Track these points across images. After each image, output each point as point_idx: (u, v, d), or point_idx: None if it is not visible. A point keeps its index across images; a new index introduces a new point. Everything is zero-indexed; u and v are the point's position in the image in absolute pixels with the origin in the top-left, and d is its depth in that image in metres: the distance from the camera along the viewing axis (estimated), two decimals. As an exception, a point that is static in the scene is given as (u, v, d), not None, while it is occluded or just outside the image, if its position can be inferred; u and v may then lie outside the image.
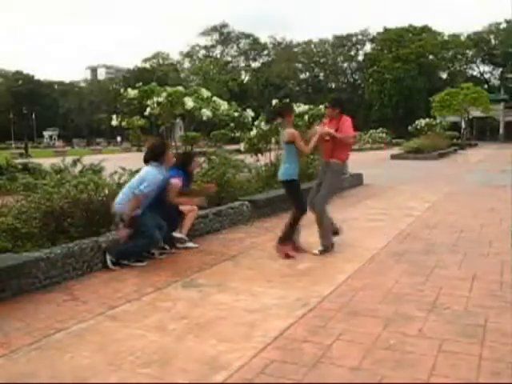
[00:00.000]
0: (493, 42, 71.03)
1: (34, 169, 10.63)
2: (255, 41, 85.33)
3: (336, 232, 5.88)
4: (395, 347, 3.13)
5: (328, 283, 4.47)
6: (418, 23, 70.10)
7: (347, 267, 4.99)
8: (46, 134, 76.52)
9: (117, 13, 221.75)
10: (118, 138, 69.42)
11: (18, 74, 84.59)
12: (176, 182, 5.60)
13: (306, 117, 10.69)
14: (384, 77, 63.98)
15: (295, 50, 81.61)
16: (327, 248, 5.60)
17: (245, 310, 3.82)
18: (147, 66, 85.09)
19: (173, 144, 8.66)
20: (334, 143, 5.59)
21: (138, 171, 7.09)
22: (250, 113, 9.21)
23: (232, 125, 8.94)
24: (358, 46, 79.83)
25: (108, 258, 4.98)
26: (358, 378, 2.76)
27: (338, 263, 5.20)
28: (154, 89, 7.92)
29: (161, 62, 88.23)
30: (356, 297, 4.11)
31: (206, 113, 7.81)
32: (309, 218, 5.64)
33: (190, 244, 5.88)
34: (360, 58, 78.40)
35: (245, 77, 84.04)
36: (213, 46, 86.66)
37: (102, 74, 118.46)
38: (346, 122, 5.68)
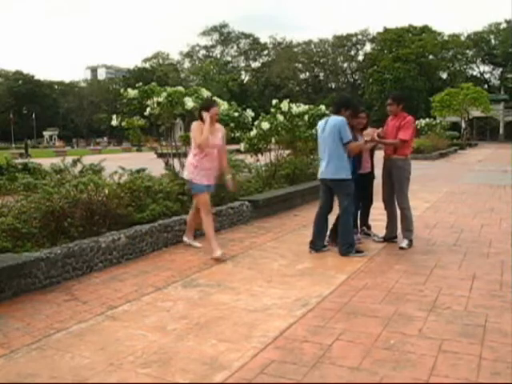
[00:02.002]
0: (493, 42, 71.02)
1: (34, 169, 10.60)
2: (255, 41, 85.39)
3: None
4: (395, 347, 3.13)
5: (328, 283, 4.47)
6: (418, 23, 70.27)
7: (347, 267, 4.99)
8: (46, 134, 76.48)
9: (117, 13, 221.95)
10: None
11: (18, 73, 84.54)
12: None
13: (306, 117, 10.68)
14: (384, 77, 63.92)
15: (295, 50, 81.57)
16: (411, 242, 5.86)
17: (245, 310, 3.82)
18: (147, 66, 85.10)
19: (173, 144, 8.65)
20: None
21: (138, 171, 7.11)
22: (250, 113, 9.20)
23: (232, 125, 8.92)
24: (358, 46, 79.84)
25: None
26: (358, 378, 2.76)
27: (338, 263, 5.20)
28: (154, 89, 7.90)
29: (161, 61, 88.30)
30: (356, 297, 4.11)
31: (206, 113, 7.79)
32: (309, 218, 5.64)
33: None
34: (360, 57, 78.46)
35: (245, 77, 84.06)
36: (213, 46, 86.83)
37: (102, 74, 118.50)
38: (407, 122, 5.86)
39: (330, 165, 5.42)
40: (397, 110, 5.93)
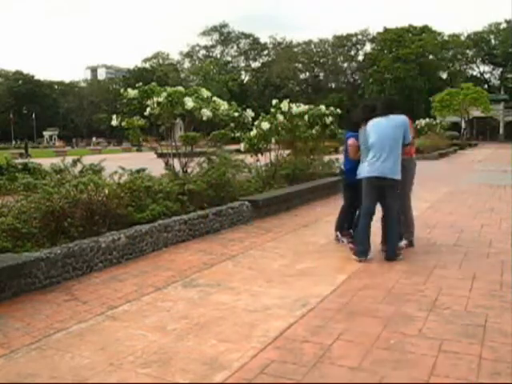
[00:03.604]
0: (493, 42, 71.09)
1: (34, 169, 10.61)
2: (255, 41, 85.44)
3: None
4: (395, 347, 3.13)
5: (328, 283, 4.47)
6: (418, 23, 70.29)
7: (347, 267, 4.99)
8: (46, 134, 76.49)
9: (117, 13, 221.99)
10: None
11: (18, 73, 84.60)
12: None
13: (306, 117, 10.68)
14: (384, 77, 63.99)
15: (295, 50, 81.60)
16: (411, 242, 5.84)
17: (245, 310, 3.82)
18: (147, 66, 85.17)
19: (173, 144, 8.65)
20: None
21: (138, 171, 7.11)
22: (250, 113, 9.20)
23: (232, 125, 8.92)
24: (358, 46, 79.89)
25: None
26: (358, 378, 2.76)
27: (338, 263, 5.20)
28: (154, 89, 7.90)
29: (161, 61, 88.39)
30: (356, 297, 4.10)
31: (206, 113, 7.80)
32: (309, 218, 5.63)
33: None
34: (360, 57, 78.50)
35: (245, 77, 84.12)
36: (213, 46, 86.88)
37: (102, 74, 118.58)
38: None
39: (390, 163, 5.22)
40: None
